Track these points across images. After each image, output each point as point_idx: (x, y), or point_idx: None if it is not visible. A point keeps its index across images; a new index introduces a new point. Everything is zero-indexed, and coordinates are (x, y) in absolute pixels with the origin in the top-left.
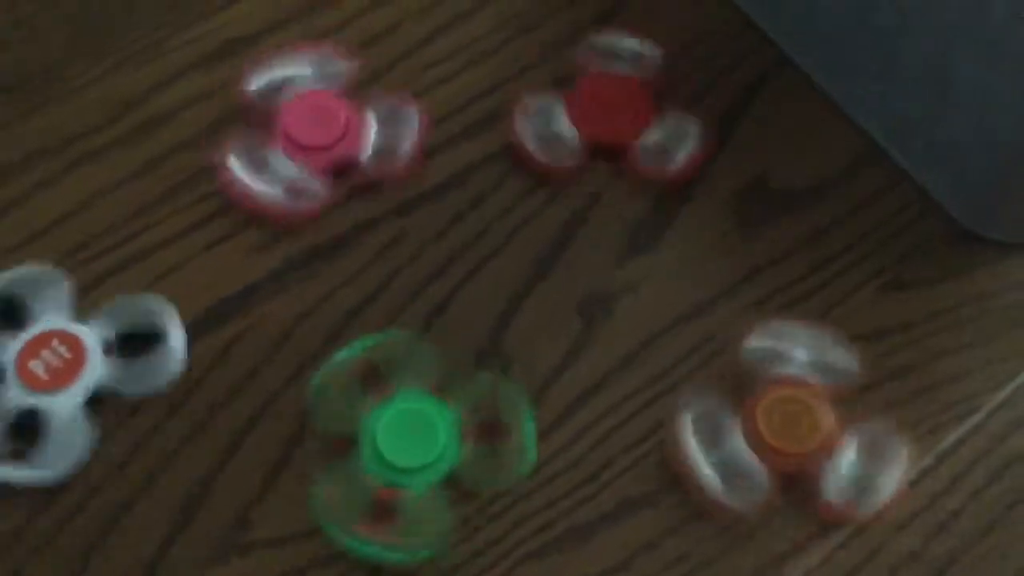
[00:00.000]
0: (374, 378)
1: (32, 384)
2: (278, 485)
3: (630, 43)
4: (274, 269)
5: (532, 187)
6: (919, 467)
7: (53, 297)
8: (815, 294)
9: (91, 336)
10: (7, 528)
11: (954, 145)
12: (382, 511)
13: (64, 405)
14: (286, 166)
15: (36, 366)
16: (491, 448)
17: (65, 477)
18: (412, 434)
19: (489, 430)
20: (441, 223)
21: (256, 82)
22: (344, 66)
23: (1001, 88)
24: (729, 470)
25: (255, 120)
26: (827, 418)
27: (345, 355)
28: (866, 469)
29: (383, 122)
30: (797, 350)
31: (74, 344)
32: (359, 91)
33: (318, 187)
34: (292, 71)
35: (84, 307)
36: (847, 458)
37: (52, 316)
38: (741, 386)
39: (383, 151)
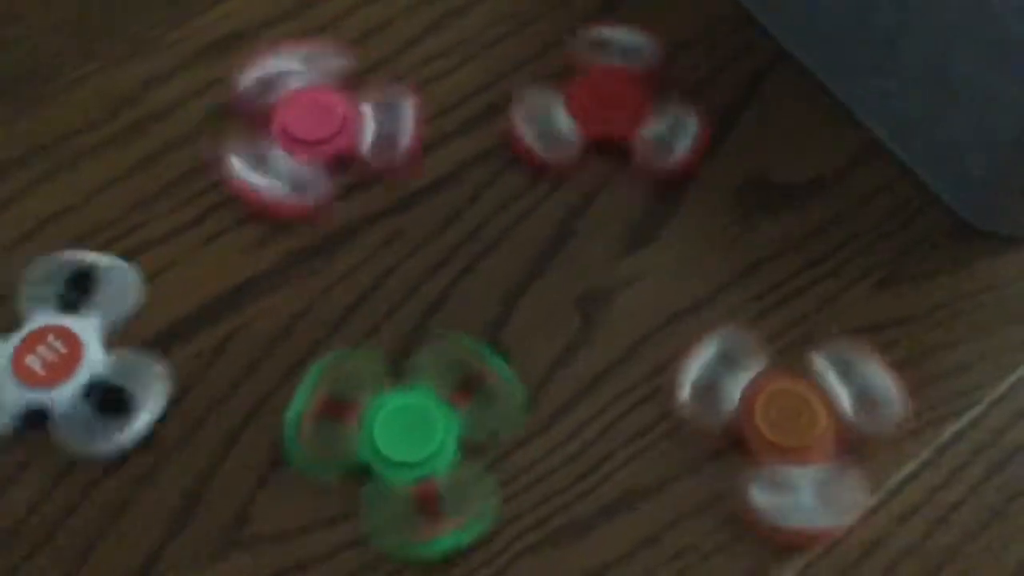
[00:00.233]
0: (339, 406)
1: (29, 380)
2: (276, 480)
3: (627, 37)
4: (270, 265)
5: (530, 182)
6: (917, 461)
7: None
8: (813, 288)
9: (87, 330)
10: (6, 524)
11: (954, 143)
12: (426, 508)
13: (62, 399)
14: (285, 161)
15: (33, 362)
16: (482, 398)
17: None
18: (409, 428)
19: (471, 386)
20: (438, 219)
21: (249, 78)
22: (338, 61)
23: (1001, 87)
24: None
25: (251, 116)
26: (821, 407)
27: (302, 398)
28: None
29: (379, 114)
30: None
31: (69, 338)
32: (354, 85)
33: (318, 181)
34: (285, 67)
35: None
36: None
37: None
38: None
39: (381, 143)
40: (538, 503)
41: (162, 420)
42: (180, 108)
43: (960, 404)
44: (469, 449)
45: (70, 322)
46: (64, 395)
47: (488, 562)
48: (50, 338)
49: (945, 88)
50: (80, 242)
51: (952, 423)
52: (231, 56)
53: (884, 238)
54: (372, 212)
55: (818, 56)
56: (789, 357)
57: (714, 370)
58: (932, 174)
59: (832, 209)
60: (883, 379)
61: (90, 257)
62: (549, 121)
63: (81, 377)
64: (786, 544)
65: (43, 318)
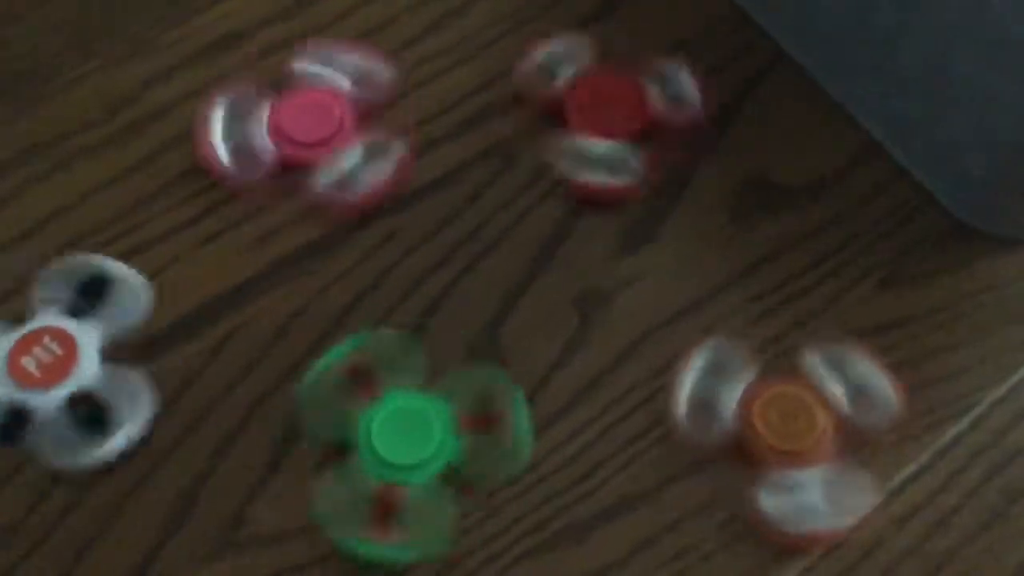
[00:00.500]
0: (362, 380)
1: (23, 381)
2: (274, 481)
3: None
4: (270, 264)
5: (528, 183)
6: (917, 463)
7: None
8: (813, 290)
9: (85, 334)
10: (3, 523)
11: (953, 144)
12: (383, 511)
13: (51, 403)
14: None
15: (28, 363)
16: (488, 438)
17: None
18: (407, 431)
19: (484, 421)
20: (436, 219)
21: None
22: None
23: (1001, 87)
24: None
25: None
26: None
27: (331, 358)
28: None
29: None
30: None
31: (66, 341)
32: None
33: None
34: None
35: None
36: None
37: (48, 312)
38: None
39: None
40: (537, 505)
41: (159, 420)
42: (179, 108)
43: (961, 406)
44: (450, 476)
45: (72, 326)
46: (48, 402)
47: (487, 564)
48: (46, 340)
49: (945, 88)
50: (80, 241)
51: (952, 425)
52: (230, 56)
53: (883, 239)
54: (369, 213)
55: (817, 56)
56: (787, 358)
57: (708, 382)
58: (932, 175)
59: (831, 210)
60: (878, 378)
61: (108, 264)
62: None
63: (69, 386)
64: (793, 547)
65: (48, 319)
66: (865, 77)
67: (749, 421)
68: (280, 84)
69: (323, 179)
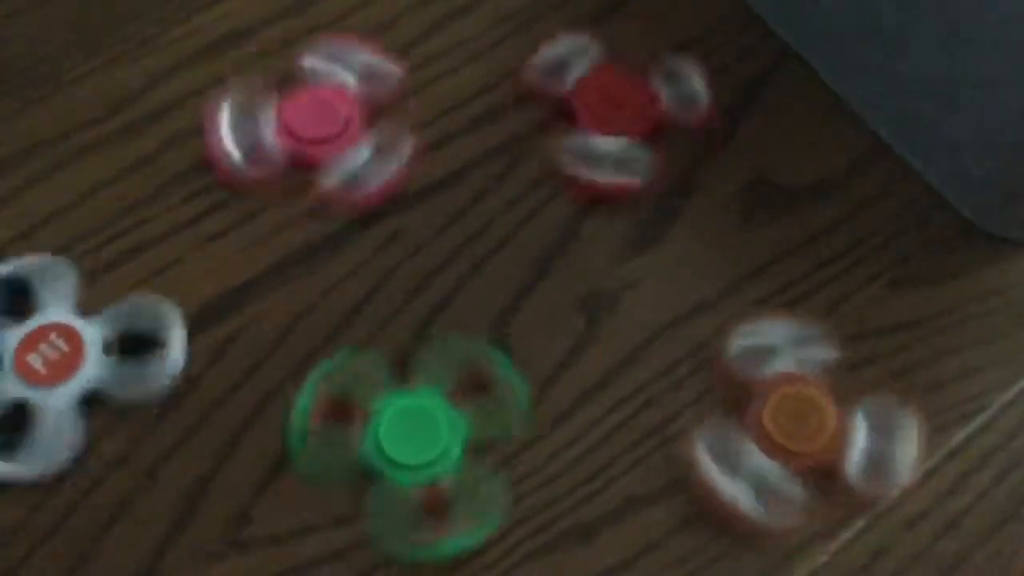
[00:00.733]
0: (342, 408)
1: (29, 377)
2: (278, 482)
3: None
4: (273, 264)
5: (534, 183)
6: (927, 466)
7: (60, 288)
8: (820, 291)
9: (90, 331)
10: (5, 524)
11: (958, 145)
12: (434, 510)
13: (57, 401)
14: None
15: (34, 359)
16: (486, 400)
17: (47, 476)
18: (414, 430)
19: (474, 388)
20: (442, 219)
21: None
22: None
23: (1004, 88)
24: (762, 490)
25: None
26: (831, 408)
27: (306, 402)
28: (880, 445)
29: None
30: (779, 345)
31: (73, 338)
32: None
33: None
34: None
35: (80, 302)
36: (860, 441)
37: (55, 308)
38: (738, 395)
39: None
40: (542, 508)
41: (163, 420)
42: (181, 107)
43: (970, 408)
44: (476, 450)
45: (79, 324)
46: (54, 401)
47: (491, 567)
48: (52, 336)
49: (948, 89)
50: (81, 240)
51: (962, 427)
52: (231, 55)
53: (891, 241)
54: (375, 212)
55: (822, 57)
56: None
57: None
58: (937, 176)
59: (838, 211)
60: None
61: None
62: None
63: (74, 386)
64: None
65: (54, 315)
66: (872, 77)
67: (759, 422)
68: (286, 82)
69: (331, 176)
